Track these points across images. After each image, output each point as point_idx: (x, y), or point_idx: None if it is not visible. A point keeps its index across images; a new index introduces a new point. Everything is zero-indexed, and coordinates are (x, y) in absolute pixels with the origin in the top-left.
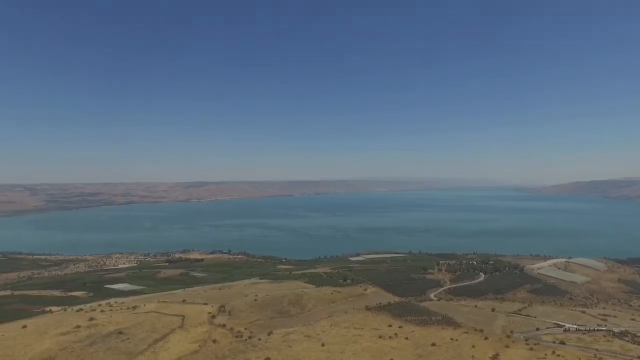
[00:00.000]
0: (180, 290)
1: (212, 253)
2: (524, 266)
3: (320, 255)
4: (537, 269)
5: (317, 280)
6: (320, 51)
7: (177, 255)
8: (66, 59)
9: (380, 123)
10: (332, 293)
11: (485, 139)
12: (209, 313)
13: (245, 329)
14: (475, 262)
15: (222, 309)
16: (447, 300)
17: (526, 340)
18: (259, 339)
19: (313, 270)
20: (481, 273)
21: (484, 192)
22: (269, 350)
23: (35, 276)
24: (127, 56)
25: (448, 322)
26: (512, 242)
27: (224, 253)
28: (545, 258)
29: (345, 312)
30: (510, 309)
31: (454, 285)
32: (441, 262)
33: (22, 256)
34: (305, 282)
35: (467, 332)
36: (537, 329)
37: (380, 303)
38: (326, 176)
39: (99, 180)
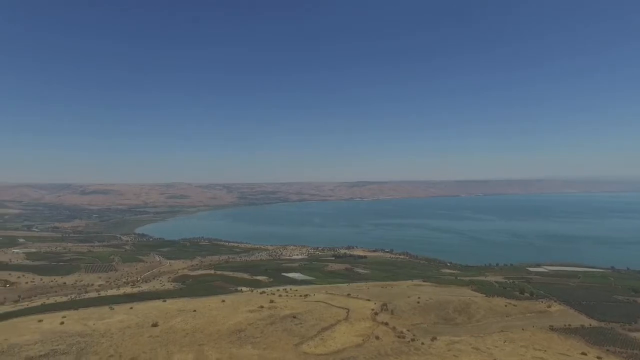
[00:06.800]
0: (345, 284)
1: (374, 251)
2: None
3: (490, 262)
4: None
5: (487, 289)
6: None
7: (342, 251)
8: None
9: (566, 115)
10: (505, 305)
11: None
12: (372, 310)
13: (408, 330)
14: None
15: (385, 307)
16: None
17: None
18: (422, 343)
19: (482, 278)
20: None
21: None
22: (432, 357)
23: (230, 260)
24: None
25: None
26: None
27: (386, 252)
28: None
29: (523, 329)
30: None
31: None
32: None
33: (222, 243)
34: (472, 290)
35: None
36: None
37: (569, 325)
38: (499, 175)
39: (278, 180)
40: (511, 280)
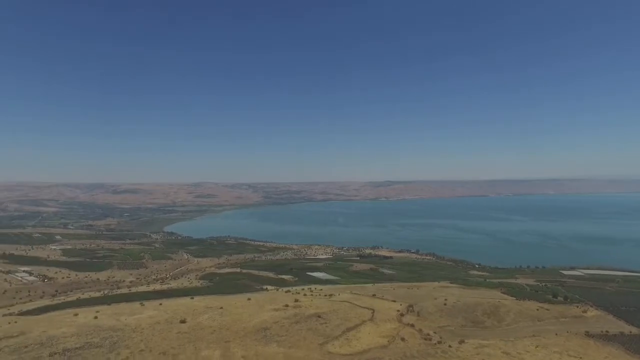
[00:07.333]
0: (370, 284)
1: (400, 251)
2: None
3: (521, 264)
4: None
5: (517, 292)
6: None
7: (367, 251)
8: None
9: (601, 113)
10: (537, 309)
11: None
12: (398, 311)
13: (435, 332)
14: None
15: (410, 308)
16: None
17: None
18: (449, 346)
19: (512, 281)
20: None
21: None
22: None
23: (256, 259)
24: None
25: None
26: None
27: (412, 252)
28: None
29: (556, 335)
30: None
31: None
32: None
33: (248, 242)
34: (502, 293)
35: None
36: None
37: (606, 331)
38: (530, 175)
39: (302, 179)
40: (543, 284)
